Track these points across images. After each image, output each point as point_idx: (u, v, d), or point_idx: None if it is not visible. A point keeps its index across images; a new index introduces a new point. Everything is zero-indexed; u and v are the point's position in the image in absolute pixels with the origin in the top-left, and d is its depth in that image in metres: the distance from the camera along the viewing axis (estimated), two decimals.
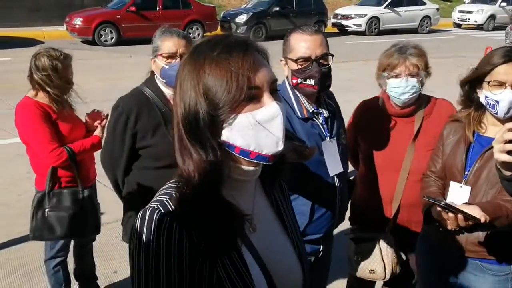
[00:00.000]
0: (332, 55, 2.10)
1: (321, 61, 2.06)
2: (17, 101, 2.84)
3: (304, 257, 1.22)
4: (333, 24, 19.18)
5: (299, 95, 2.15)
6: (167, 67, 2.28)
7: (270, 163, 1.05)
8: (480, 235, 2.00)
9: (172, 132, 1.08)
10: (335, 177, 2.19)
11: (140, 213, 1.03)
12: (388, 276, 2.40)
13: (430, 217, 2.05)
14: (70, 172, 2.81)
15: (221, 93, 0.99)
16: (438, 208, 1.87)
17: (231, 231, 1.02)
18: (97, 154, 3.04)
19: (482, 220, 1.76)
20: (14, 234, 4.09)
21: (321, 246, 2.28)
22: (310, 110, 2.15)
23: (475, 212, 1.78)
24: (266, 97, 1.02)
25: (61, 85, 2.75)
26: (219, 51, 1.02)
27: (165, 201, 1.04)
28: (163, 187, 1.11)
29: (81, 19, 14.21)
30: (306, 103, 2.15)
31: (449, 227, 1.86)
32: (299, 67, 2.06)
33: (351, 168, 2.59)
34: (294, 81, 2.09)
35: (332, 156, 2.17)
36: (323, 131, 2.16)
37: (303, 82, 2.07)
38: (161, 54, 2.31)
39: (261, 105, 1.01)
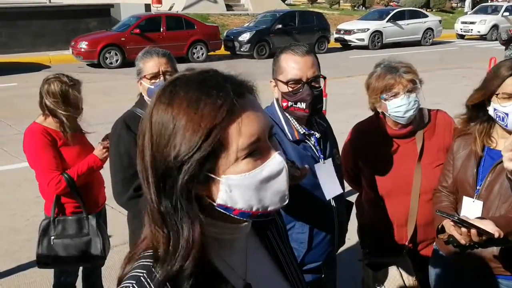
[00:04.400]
0: (324, 78, 2.03)
1: (312, 83, 1.97)
2: (25, 126, 2.85)
3: None
4: (336, 40, 19.28)
5: (289, 117, 2.06)
6: (152, 87, 2.35)
7: (272, 217, 0.95)
8: (495, 250, 1.96)
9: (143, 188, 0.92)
10: (331, 199, 2.11)
11: None
12: None
13: (443, 233, 2.01)
14: (74, 199, 2.80)
15: (206, 149, 0.85)
16: (451, 223, 1.84)
17: None
18: (107, 178, 3.05)
19: (496, 235, 1.72)
20: (23, 260, 4.07)
21: (323, 274, 2.18)
22: (302, 132, 2.06)
23: (489, 227, 1.74)
24: (269, 150, 0.90)
25: (71, 110, 2.76)
26: (201, 96, 0.87)
27: (141, 278, 0.88)
28: (137, 258, 0.94)
29: (86, 43, 14.38)
30: (297, 125, 2.06)
31: (462, 242, 1.83)
32: (290, 89, 1.97)
33: (348, 187, 2.53)
34: (285, 104, 2.00)
35: (328, 177, 2.09)
36: (316, 153, 2.08)
37: (294, 105, 1.97)
38: (145, 76, 2.38)
39: (264, 160, 0.89)
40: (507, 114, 1.90)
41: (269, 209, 0.92)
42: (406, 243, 2.36)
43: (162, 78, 2.35)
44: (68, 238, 2.79)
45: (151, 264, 0.90)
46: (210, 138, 0.85)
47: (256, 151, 0.89)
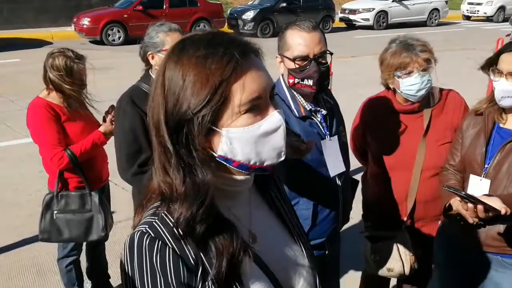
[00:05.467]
0: (331, 53, 2.00)
1: (319, 59, 1.94)
2: (28, 101, 2.84)
3: (313, 258, 1.16)
4: (341, 19, 19.06)
5: (295, 93, 2.04)
6: None
7: (268, 172, 1.00)
8: (501, 228, 1.95)
9: (152, 139, 0.97)
10: (336, 176, 2.11)
11: (127, 239, 0.94)
12: (407, 274, 2.36)
13: (450, 211, 2.01)
14: (77, 175, 2.82)
15: (214, 103, 0.90)
16: (458, 199, 1.84)
17: (233, 252, 0.93)
18: (110, 154, 3.06)
19: (503, 211, 1.72)
20: (26, 234, 4.10)
21: (327, 250, 2.19)
22: (308, 109, 2.04)
23: (496, 203, 1.75)
24: (268, 107, 0.95)
25: (75, 85, 2.75)
26: (209, 54, 0.91)
27: (154, 223, 0.94)
28: (150, 206, 1.00)
29: (89, 19, 14.27)
30: (304, 102, 2.04)
31: (469, 221, 1.83)
32: (297, 66, 1.94)
33: (356, 166, 2.55)
34: (291, 80, 1.98)
35: (333, 155, 2.09)
36: (322, 130, 2.07)
37: (301, 82, 1.95)
38: (167, 50, 2.32)
39: (263, 116, 0.94)
40: (494, 89, 1.95)
41: (265, 163, 0.97)
42: (405, 219, 2.39)
43: None
44: (71, 213, 2.81)
45: (162, 211, 0.95)
46: (218, 93, 0.90)
47: (256, 107, 0.93)
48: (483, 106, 2.07)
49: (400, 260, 2.35)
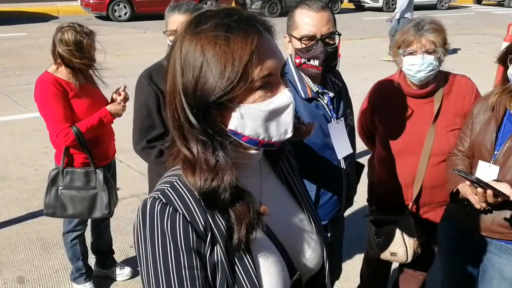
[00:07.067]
0: (339, 34, 1.97)
1: (326, 40, 1.91)
2: (34, 76, 2.84)
3: (322, 229, 1.17)
4: (350, 0, 18.80)
5: (303, 74, 2.02)
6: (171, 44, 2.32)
7: (275, 148, 1.02)
8: (507, 214, 1.95)
9: (167, 110, 1.00)
10: (341, 160, 2.10)
11: (140, 204, 0.97)
12: (410, 259, 2.38)
13: (457, 196, 2.01)
14: (83, 151, 2.83)
15: (236, 83, 0.91)
16: (467, 184, 1.83)
17: (249, 220, 0.96)
18: (117, 131, 3.08)
19: None
20: (32, 208, 4.15)
21: (329, 233, 2.19)
22: (315, 90, 2.02)
23: (505, 189, 1.75)
24: (279, 85, 0.96)
25: (85, 60, 2.74)
26: (230, 30, 0.91)
27: (166, 190, 0.97)
28: (165, 175, 1.04)
29: None
30: (311, 83, 2.02)
31: (477, 206, 1.83)
32: (303, 46, 1.92)
33: (361, 149, 2.53)
34: (298, 60, 1.96)
35: (340, 137, 2.07)
36: (329, 112, 2.05)
37: (307, 62, 1.93)
38: (166, 31, 2.39)
39: (273, 93, 0.96)
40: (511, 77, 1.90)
41: (273, 139, 0.99)
42: (411, 204, 2.39)
43: None
44: (75, 190, 2.83)
45: (176, 179, 0.99)
46: (242, 73, 0.90)
47: (268, 85, 0.95)
48: (496, 93, 2.03)
49: (403, 244, 2.36)
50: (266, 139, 0.98)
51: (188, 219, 0.94)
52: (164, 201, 0.95)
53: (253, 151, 1.02)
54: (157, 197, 0.96)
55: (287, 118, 0.98)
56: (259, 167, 1.10)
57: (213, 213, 0.96)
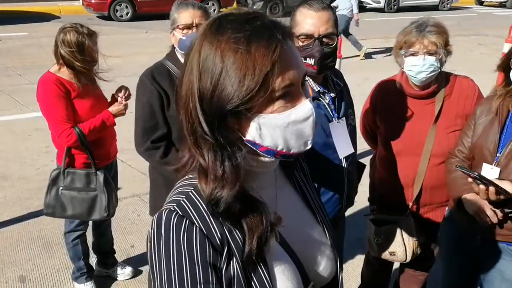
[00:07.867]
0: (338, 35, 1.98)
1: (324, 39, 1.93)
2: (35, 76, 2.84)
3: (335, 240, 1.15)
4: None
5: None
6: (184, 38, 2.31)
7: (293, 159, 1.00)
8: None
9: (180, 115, 0.96)
10: (343, 159, 2.11)
11: (155, 217, 0.94)
12: (409, 259, 2.38)
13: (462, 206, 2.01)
14: (85, 152, 2.83)
15: (256, 92, 0.87)
16: (470, 179, 1.83)
17: (262, 231, 0.93)
18: (118, 131, 3.08)
19: None
20: (34, 207, 4.16)
21: None
22: (316, 90, 2.03)
23: (508, 187, 1.75)
24: (299, 95, 0.93)
25: (86, 62, 2.74)
26: (252, 37, 0.87)
27: (181, 201, 0.94)
28: (178, 184, 1.01)
29: None
30: (312, 83, 2.02)
31: (485, 219, 1.83)
32: (300, 44, 1.94)
33: (363, 149, 2.54)
34: None
35: (341, 137, 2.08)
36: (330, 112, 2.06)
37: (303, 60, 1.94)
38: (178, 26, 2.34)
39: (294, 104, 0.92)
40: None
41: (292, 151, 0.96)
42: (411, 204, 2.39)
43: (195, 30, 2.30)
44: (75, 191, 2.84)
45: (191, 189, 0.96)
46: (263, 83, 0.87)
47: (288, 95, 0.91)
48: (499, 95, 2.03)
49: (403, 244, 2.36)
50: (284, 150, 0.95)
51: (205, 232, 0.91)
52: (181, 213, 0.92)
53: (269, 160, 0.99)
54: (173, 209, 0.93)
55: (308, 130, 0.94)
56: (274, 177, 1.08)
57: (229, 225, 0.93)
